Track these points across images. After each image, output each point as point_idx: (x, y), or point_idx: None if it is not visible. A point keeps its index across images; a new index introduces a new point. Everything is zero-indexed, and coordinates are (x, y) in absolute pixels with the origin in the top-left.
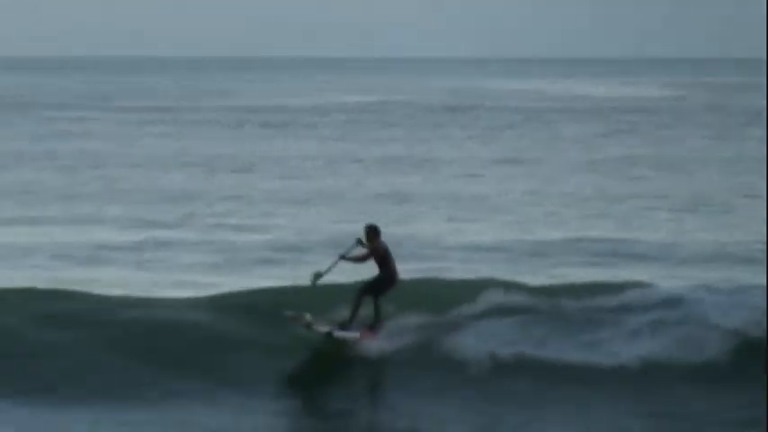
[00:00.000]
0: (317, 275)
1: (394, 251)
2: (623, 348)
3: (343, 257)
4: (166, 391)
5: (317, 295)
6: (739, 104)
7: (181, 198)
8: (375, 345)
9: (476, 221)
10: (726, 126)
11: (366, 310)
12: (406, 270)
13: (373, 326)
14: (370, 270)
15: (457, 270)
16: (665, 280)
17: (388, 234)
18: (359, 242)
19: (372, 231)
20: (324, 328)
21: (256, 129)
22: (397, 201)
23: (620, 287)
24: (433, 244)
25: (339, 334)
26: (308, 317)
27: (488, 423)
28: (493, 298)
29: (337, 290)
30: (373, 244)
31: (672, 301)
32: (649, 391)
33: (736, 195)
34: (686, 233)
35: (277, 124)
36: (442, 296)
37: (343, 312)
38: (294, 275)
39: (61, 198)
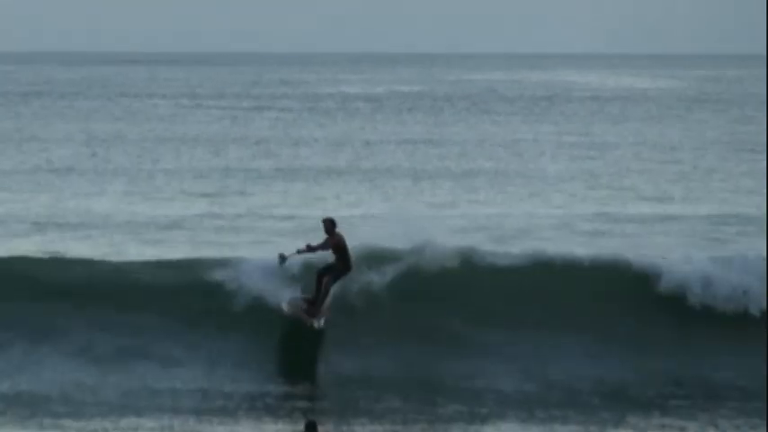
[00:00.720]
0: (282, 258)
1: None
2: None
3: (300, 251)
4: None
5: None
6: None
7: (241, 172)
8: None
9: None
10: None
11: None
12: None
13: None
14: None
15: None
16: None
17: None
18: (281, 258)
19: (330, 224)
20: (317, 324)
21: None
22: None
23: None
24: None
25: (318, 323)
26: (313, 321)
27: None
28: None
29: None
30: (331, 236)
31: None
32: None
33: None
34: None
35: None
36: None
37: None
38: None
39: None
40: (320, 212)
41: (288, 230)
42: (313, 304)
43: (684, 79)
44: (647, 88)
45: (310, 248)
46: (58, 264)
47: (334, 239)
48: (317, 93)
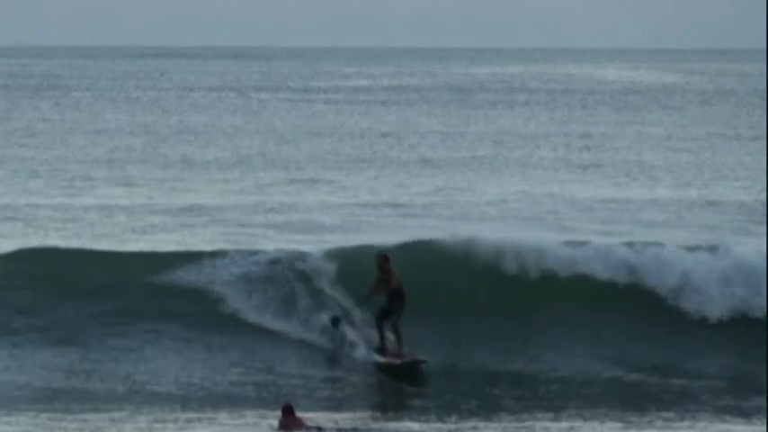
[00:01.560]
0: (336, 320)
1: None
2: None
3: (362, 299)
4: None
5: None
6: None
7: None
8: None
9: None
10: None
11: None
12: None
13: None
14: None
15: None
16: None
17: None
18: (334, 321)
19: (384, 260)
20: (420, 356)
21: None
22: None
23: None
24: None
25: (418, 356)
26: (415, 356)
27: None
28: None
29: None
30: (387, 273)
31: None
32: None
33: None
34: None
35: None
36: None
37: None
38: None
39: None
40: (331, 197)
41: (299, 223)
42: (384, 352)
43: (681, 72)
44: (644, 81)
45: (371, 295)
46: (77, 255)
47: (393, 281)
48: (323, 86)
